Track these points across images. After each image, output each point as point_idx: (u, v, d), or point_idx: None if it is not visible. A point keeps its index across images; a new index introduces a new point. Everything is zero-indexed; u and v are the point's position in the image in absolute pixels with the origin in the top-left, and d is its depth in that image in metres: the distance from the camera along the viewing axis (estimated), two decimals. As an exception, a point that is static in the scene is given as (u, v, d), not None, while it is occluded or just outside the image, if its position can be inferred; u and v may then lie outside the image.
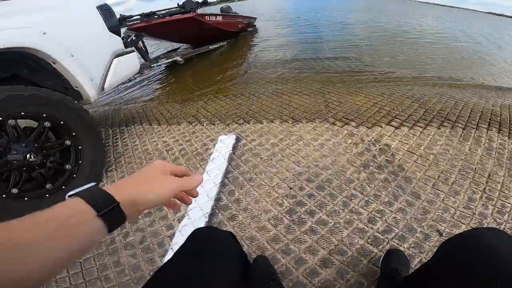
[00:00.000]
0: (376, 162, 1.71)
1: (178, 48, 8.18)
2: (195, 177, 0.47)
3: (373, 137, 1.98)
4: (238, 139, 2.15)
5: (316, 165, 1.73)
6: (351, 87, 3.19)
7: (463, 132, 1.99)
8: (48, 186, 1.67)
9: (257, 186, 1.62)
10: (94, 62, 2.00)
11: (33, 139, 1.61)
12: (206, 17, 6.67)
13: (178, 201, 0.49)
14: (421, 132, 2.01)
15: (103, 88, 2.10)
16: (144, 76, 5.59)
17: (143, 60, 4.95)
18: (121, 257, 1.37)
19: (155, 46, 8.92)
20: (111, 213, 0.36)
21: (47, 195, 1.65)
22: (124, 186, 0.40)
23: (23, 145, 1.57)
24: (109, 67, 2.15)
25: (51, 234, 0.31)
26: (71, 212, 0.33)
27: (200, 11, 6.54)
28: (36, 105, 1.55)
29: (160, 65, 5.18)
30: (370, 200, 1.43)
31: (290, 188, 1.56)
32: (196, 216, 1.49)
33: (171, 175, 0.45)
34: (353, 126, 2.14)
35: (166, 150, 2.19)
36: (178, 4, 6.27)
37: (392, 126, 2.10)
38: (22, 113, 1.51)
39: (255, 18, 11.14)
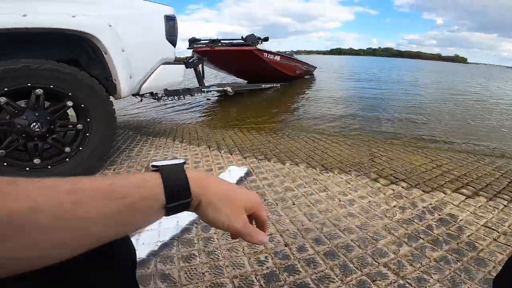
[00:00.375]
0: (431, 234, 1.13)
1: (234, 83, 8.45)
2: (260, 237, 0.41)
3: (430, 204, 1.40)
4: (248, 173, 1.78)
5: (336, 224, 1.22)
6: (408, 146, 2.65)
7: None
8: (36, 161, 1.59)
9: (243, 232, 1.17)
10: (140, 62, 2.03)
11: (49, 112, 1.61)
12: (264, 53, 6.78)
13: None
14: (505, 206, 1.37)
15: (139, 89, 2.12)
16: (195, 100, 5.74)
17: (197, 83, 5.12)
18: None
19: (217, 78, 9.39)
20: (177, 207, 0.33)
21: (27, 168, 1.58)
22: (208, 186, 0.36)
23: (36, 114, 1.56)
24: (153, 71, 2.17)
25: (118, 214, 0.28)
26: (145, 194, 0.30)
27: (260, 47, 6.71)
28: (67, 83, 1.60)
29: (211, 91, 5.22)
30: (407, 285, 0.86)
31: (285, 245, 1.06)
32: (148, 240, 1.10)
33: (249, 213, 0.40)
34: (402, 187, 1.59)
35: (169, 166, 1.94)
36: (242, 37, 6.59)
37: (462, 194, 1.49)
38: (51, 86, 1.55)
39: (315, 67, 11.11)
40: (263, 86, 6.71)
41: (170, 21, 2.25)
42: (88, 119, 1.72)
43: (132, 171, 1.92)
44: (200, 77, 5.01)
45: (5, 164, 1.52)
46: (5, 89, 1.43)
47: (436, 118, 4.57)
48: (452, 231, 1.15)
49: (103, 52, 1.74)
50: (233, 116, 4.52)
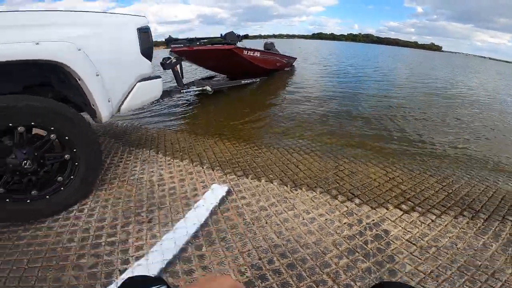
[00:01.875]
0: (365, 249, 1.60)
1: (214, 76, 8.93)
2: None
3: (373, 220, 1.86)
4: (229, 193, 2.16)
5: (298, 240, 1.65)
6: (370, 155, 3.16)
7: (483, 225, 1.83)
8: (33, 192, 1.74)
9: (227, 248, 1.58)
10: (117, 84, 2.07)
11: (35, 148, 1.73)
12: (244, 51, 7.19)
13: None
14: (432, 221, 1.85)
15: (119, 110, 2.18)
16: (174, 102, 6.04)
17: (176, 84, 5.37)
18: (65, 275, 1.41)
19: (198, 71, 9.80)
20: None
21: (28, 201, 1.74)
22: None
23: (24, 152, 1.68)
24: (131, 90, 2.22)
25: None
26: None
27: (240, 44, 7.11)
28: (47, 117, 1.68)
29: (190, 91, 5.53)
30: (338, 290, 1.34)
31: (259, 259, 1.50)
32: (155, 259, 1.47)
33: None
34: (355, 204, 2.04)
35: (158, 185, 2.28)
36: (221, 34, 6.95)
37: (400, 210, 1.97)
38: (32, 123, 1.65)
39: (295, 59, 11.75)
40: (242, 82, 7.14)
41: (144, 33, 2.24)
42: (74, 150, 1.83)
43: (122, 191, 2.19)
44: (178, 77, 5.25)
45: (7, 200, 1.66)
46: None
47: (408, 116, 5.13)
48: (381, 246, 1.63)
49: (77, 79, 1.79)
50: (212, 119, 4.82)
